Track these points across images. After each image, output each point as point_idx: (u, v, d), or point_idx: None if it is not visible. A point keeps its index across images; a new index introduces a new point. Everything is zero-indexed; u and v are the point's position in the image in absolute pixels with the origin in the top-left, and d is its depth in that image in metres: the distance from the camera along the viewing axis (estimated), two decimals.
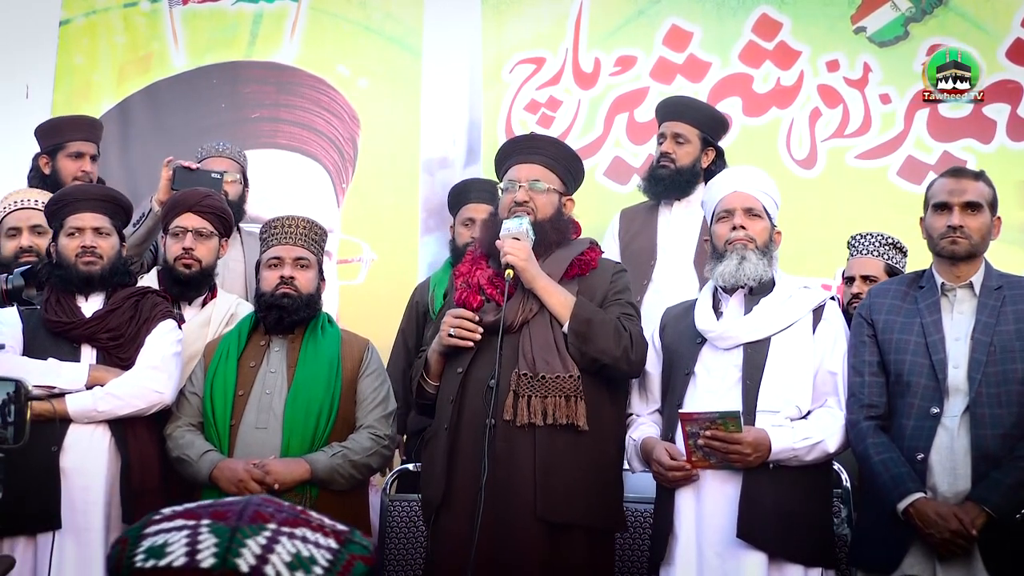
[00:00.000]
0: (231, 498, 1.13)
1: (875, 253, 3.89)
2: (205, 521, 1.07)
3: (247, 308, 3.72)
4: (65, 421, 3.15)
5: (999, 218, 3.06)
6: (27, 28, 5.51)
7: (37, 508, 3.11)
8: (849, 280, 3.93)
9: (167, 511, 1.12)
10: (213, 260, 3.67)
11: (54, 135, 4.37)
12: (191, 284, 3.61)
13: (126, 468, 3.21)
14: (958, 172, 3.12)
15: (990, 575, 2.82)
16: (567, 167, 3.28)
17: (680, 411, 3.01)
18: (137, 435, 3.25)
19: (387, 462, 3.41)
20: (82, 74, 5.48)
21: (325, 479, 3.19)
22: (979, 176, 3.08)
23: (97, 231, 3.35)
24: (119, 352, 3.29)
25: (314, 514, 1.12)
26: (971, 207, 3.00)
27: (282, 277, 3.33)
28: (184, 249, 3.59)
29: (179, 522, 1.08)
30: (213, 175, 3.92)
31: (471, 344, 3.06)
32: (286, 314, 3.33)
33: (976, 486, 2.84)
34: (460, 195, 4.31)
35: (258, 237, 3.54)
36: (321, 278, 3.45)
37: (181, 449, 3.26)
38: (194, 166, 3.96)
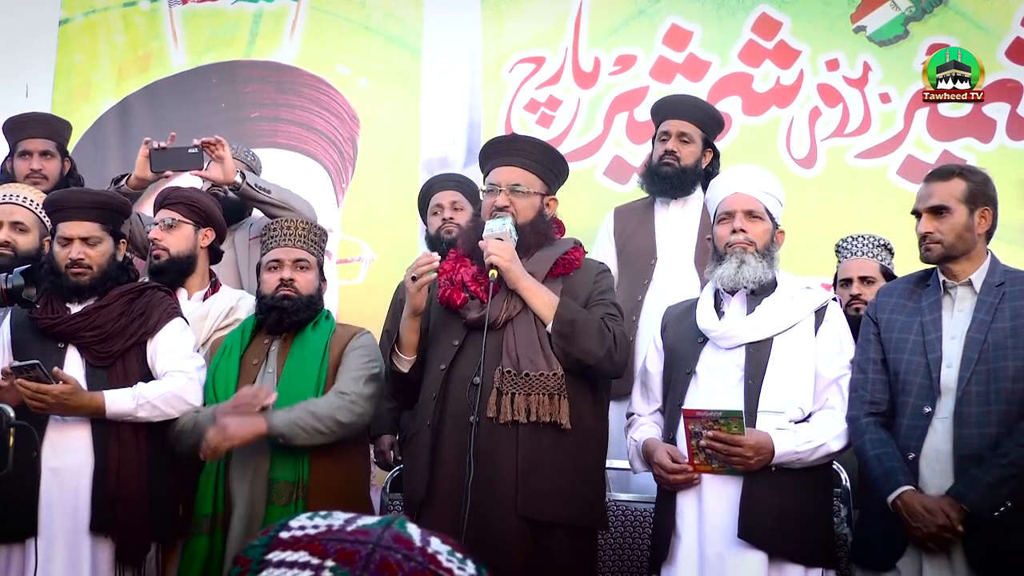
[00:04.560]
0: (364, 526, 1.05)
1: (869, 254, 3.88)
2: (329, 563, 1.01)
3: (249, 302, 3.72)
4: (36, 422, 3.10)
5: (986, 209, 3.01)
6: (27, 27, 5.51)
7: (16, 515, 3.10)
8: (845, 282, 3.89)
9: (296, 529, 1.05)
10: (186, 248, 3.66)
11: (8, 136, 4.37)
12: (163, 274, 3.59)
13: (101, 473, 3.17)
14: (931, 175, 3.09)
15: (973, 571, 2.82)
16: (549, 167, 3.26)
17: (683, 407, 3.01)
18: (121, 439, 3.20)
19: (360, 420, 3.27)
20: (82, 73, 5.48)
21: (286, 433, 3.13)
22: (951, 174, 3.04)
23: (85, 240, 3.31)
24: (102, 349, 3.26)
25: (443, 561, 1.05)
26: (936, 211, 2.99)
27: (282, 279, 3.33)
28: (151, 240, 3.65)
29: (303, 555, 1.02)
30: (190, 150, 3.88)
31: (436, 275, 3.03)
32: (286, 315, 3.33)
33: (956, 483, 2.84)
34: (426, 194, 4.31)
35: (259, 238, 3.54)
36: (322, 279, 3.45)
37: (181, 426, 3.26)
38: (165, 145, 3.92)
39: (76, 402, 3.11)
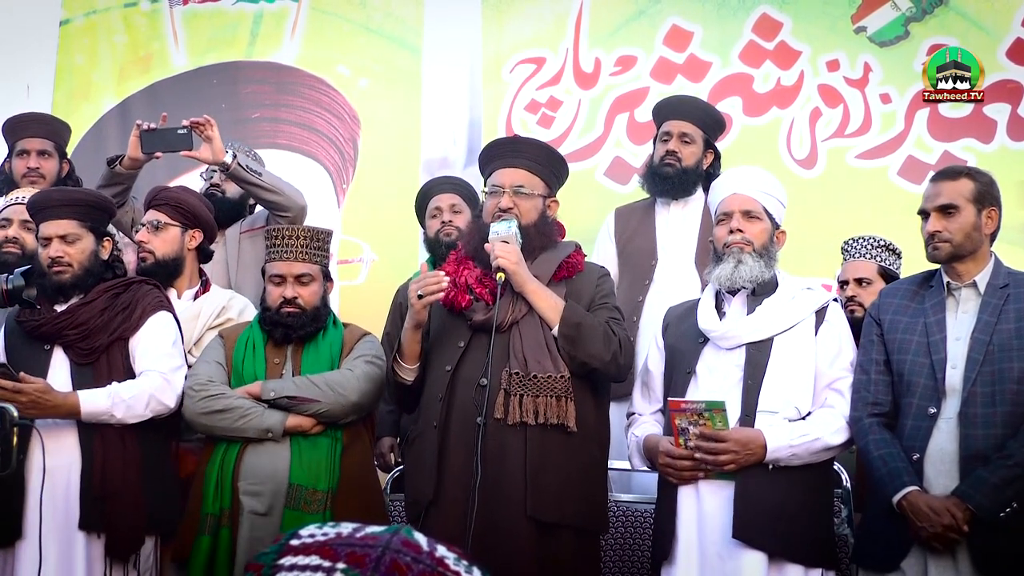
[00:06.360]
0: (372, 532, 1.08)
1: (868, 256, 3.90)
2: (340, 565, 1.04)
3: (240, 302, 3.72)
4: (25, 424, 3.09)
5: (993, 210, 3.02)
6: (27, 28, 5.52)
7: (8, 517, 3.09)
8: (843, 284, 3.93)
9: (306, 537, 1.08)
10: (172, 250, 3.65)
11: (7, 136, 4.39)
12: (149, 276, 3.57)
13: (88, 471, 3.16)
14: (938, 175, 3.11)
15: (978, 572, 2.82)
16: (551, 169, 3.26)
17: (669, 399, 3.03)
18: (106, 438, 3.19)
19: (354, 389, 3.27)
20: (82, 74, 5.49)
21: (275, 389, 3.22)
22: (959, 174, 3.06)
23: (63, 239, 3.30)
24: (85, 346, 3.24)
25: (451, 565, 1.08)
26: (946, 210, 2.99)
27: (285, 297, 3.32)
28: (138, 242, 3.65)
29: (315, 559, 1.05)
30: (179, 131, 3.87)
31: (442, 295, 3.03)
32: (292, 331, 3.33)
33: (961, 483, 2.85)
34: (424, 197, 4.29)
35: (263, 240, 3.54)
36: (328, 280, 3.44)
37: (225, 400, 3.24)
38: (155, 126, 3.91)
39: (51, 401, 3.08)
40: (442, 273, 3.09)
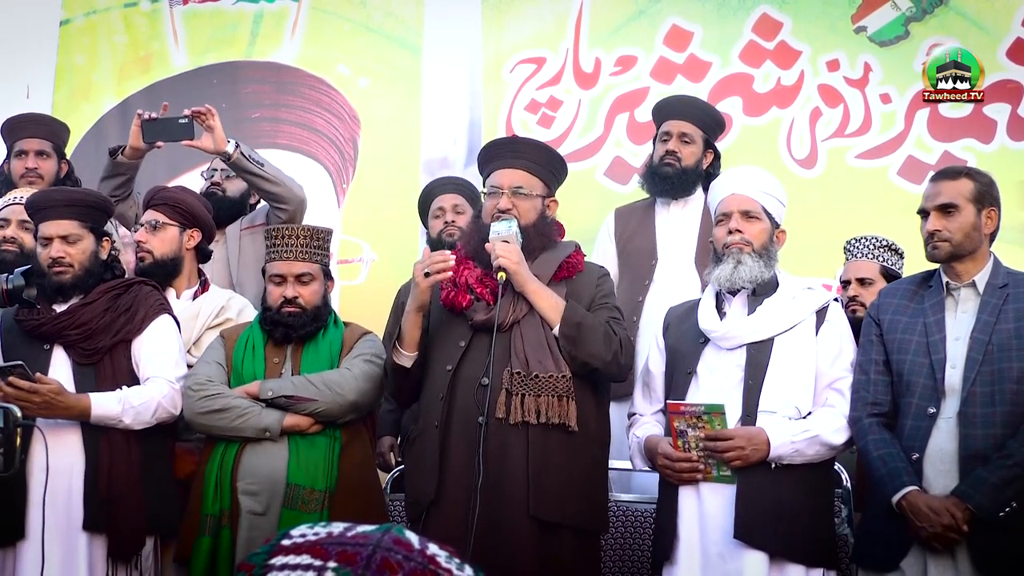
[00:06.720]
0: (364, 531, 1.09)
1: (870, 256, 3.91)
2: (331, 564, 1.04)
3: (239, 302, 3.72)
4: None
5: (992, 210, 3.03)
6: (27, 28, 5.52)
7: (9, 517, 3.09)
8: (845, 283, 3.94)
9: (298, 537, 1.08)
10: (171, 250, 3.65)
11: (6, 137, 4.39)
12: (148, 276, 3.57)
13: (93, 472, 3.16)
14: (938, 174, 3.12)
15: (977, 571, 2.83)
16: (549, 169, 3.26)
17: (668, 401, 3.03)
18: (112, 439, 3.19)
19: (353, 388, 3.27)
20: (83, 74, 5.49)
21: (273, 388, 3.21)
22: (959, 174, 3.07)
23: (64, 239, 3.29)
24: (87, 346, 3.24)
25: (443, 562, 1.08)
26: (945, 209, 3.00)
27: (285, 297, 3.32)
28: (136, 242, 3.66)
29: (306, 559, 1.05)
30: (180, 120, 3.86)
31: (451, 274, 3.03)
32: (292, 331, 3.33)
33: (961, 483, 2.85)
34: (427, 198, 4.30)
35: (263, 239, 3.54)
36: (329, 279, 3.44)
37: (224, 400, 3.24)
38: (156, 115, 3.90)
39: (64, 403, 3.09)
40: (448, 252, 3.09)
